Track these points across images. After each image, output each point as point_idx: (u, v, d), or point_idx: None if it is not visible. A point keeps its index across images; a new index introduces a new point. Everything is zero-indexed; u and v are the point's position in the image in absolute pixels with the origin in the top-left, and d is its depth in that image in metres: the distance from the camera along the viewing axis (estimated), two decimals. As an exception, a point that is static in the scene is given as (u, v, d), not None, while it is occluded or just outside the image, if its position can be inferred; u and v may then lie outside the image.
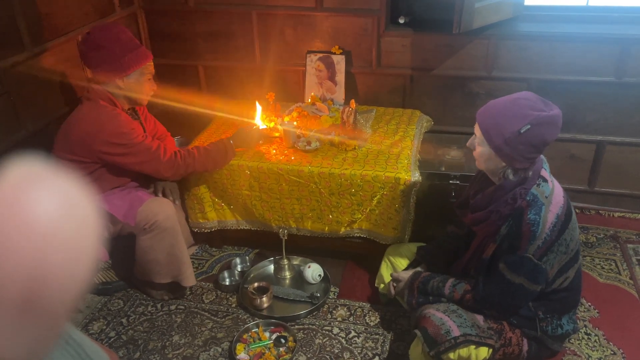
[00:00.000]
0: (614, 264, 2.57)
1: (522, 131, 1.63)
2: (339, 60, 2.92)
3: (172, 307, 2.41)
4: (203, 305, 2.43)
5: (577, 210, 2.94)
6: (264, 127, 2.62)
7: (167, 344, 2.23)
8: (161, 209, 2.25)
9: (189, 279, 2.39)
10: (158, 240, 2.24)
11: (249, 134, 2.50)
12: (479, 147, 1.77)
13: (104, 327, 2.32)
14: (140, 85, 2.27)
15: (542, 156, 1.80)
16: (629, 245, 2.69)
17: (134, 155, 2.20)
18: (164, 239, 2.25)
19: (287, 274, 2.57)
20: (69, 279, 0.57)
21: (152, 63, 2.30)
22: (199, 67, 3.21)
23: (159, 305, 2.43)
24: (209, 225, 2.63)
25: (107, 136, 2.14)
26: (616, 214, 2.92)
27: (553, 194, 1.74)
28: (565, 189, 1.77)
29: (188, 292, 2.49)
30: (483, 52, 2.77)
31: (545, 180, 1.76)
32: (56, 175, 0.57)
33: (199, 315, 2.37)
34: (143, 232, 2.23)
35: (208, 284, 2.56)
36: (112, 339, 2.25)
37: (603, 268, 2.55)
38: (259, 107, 2.63)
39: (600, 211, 2.94)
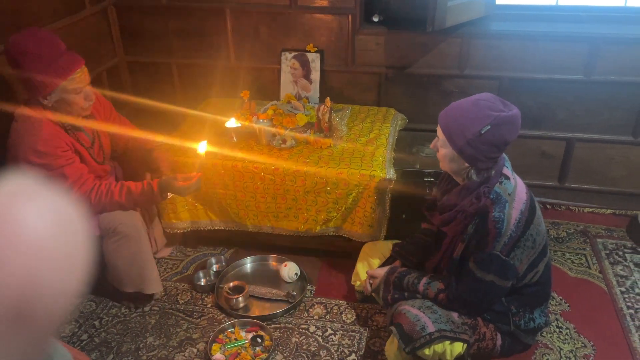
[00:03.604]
0: (584, 259, 2.63)
1: (482, 132, 1.66)
2: (314, 59, 2.92)
3: (146, 309, 2.38)
4: (178, 305, 2.40)
5: (547, 206, 3.00)
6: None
7: (141, 345, 2.19)
8: (124, 216, 2.16)
9: (153, 286, 2.31)
10: (119, 246, 2.18)
11: (181, 188, 2.15)
12: (442, 149, 1.80)
13: (76, 330, 2.27)
14: (67, 103, 2.02)
15: (504, 154, 1.83)
16: (598, 240, 2.75)
17: (54, 178, 1.98)
18: (126, 245, 2.18)
19: (264, 272, 2.55)
20: (60, 291, 0.58)
21: (84, 69, 2.01)
22: (172, 65, 3.17)
23: (132, 307, 2.39)
24: (181, 225, 2.60)
25: (24, 151, 1.97)
26: (586, 210, 2.99)
27: (516, 191, 1.77)
28: (536, 186, 1.80)
29: (163, 294, 2.45)
30: (456, 50, 2.80)
31: (507, 178, 1.79)
32: (46, 189, 0.58)
33: (173, 316, 2.34)
34: (107, 236, 2.17)
35: (183, 284, 2.53)
36: (84, 342, 2.21)
37: (573, 262, 2.61)
38: (203, 145, 2.13)
39: (570, 207, 3.00)
